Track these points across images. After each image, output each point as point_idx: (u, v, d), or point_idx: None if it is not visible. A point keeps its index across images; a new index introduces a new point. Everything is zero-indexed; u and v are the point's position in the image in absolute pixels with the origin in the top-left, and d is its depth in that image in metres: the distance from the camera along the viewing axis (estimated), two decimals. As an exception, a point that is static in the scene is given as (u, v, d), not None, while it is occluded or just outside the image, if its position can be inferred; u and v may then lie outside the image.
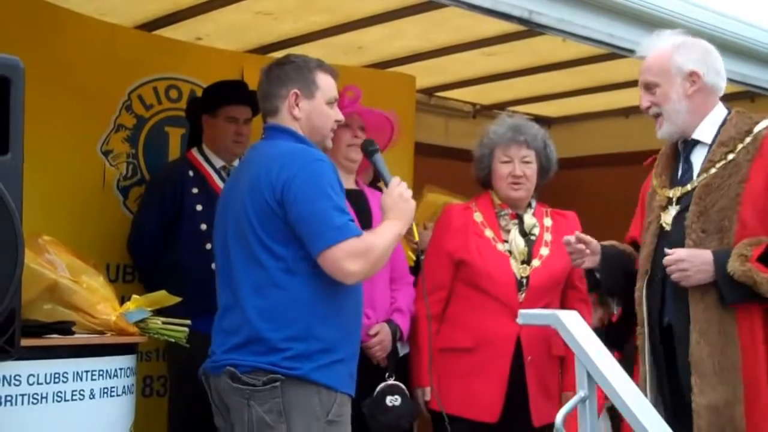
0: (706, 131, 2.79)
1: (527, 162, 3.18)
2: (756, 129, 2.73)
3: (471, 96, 5.53)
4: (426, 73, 4.79)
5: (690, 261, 2.63)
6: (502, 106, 5.62)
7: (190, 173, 3.62)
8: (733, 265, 2.59)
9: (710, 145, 2.77)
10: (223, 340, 2.56)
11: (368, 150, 2.86)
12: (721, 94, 2.85)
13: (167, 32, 3.99)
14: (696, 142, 2.81)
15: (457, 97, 5.56)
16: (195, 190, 3.59)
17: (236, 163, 3.71)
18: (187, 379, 3.48)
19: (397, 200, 2.62)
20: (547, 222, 3.26)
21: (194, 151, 3.71)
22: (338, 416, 2.50)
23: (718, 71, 2.82)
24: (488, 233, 3.18)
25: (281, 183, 2.47)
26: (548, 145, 3.24)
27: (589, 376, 2.22)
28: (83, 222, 3.63)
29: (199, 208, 3.56)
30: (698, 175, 2.75)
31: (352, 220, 2.50)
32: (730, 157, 2.70)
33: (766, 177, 2.65)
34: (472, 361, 3.09)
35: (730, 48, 3.77)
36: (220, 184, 3.64)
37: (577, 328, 2.28)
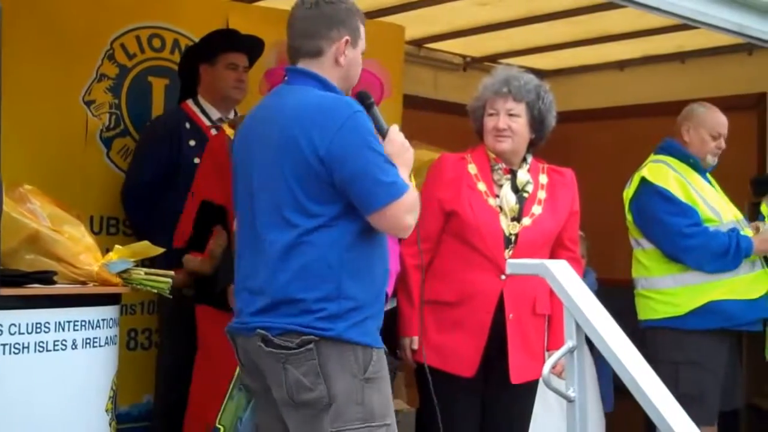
0: None
1: (513, 115, 3.10)
2: None
3: (461, 48, 5.46)
4: (416, 24, 4.71)
5: None
6: (493, 59, 5.56)
7: (187, 125, 3.58)
8: None
9: None
10: (249, 299, 2.44)
11: (365, 103, 2.66)
12: None
13: (151, -21, 3.92)
14: None
15: (447, 48, 5.49)
16: (192, 143, 3.55)
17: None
18: (176, 331, 3.51)
19: (399, 149, 2.51)
20: (543, 179, 3.19)
21: (190, 103, 3.65)
22: (375, 373, 2.42)
23: None
24: (481, 186, 3.13)
25: (327, 140, 2.33)
26: (543, 97, 3.13)
27: (577, 326, 2.18)
28: (65, 173, 3.59)
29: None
30: None
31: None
32: None
33: None
34: (454, 315, 3.07)
35: (727, -4, 3.71)
36: None
37: (566, 277, 2.24)
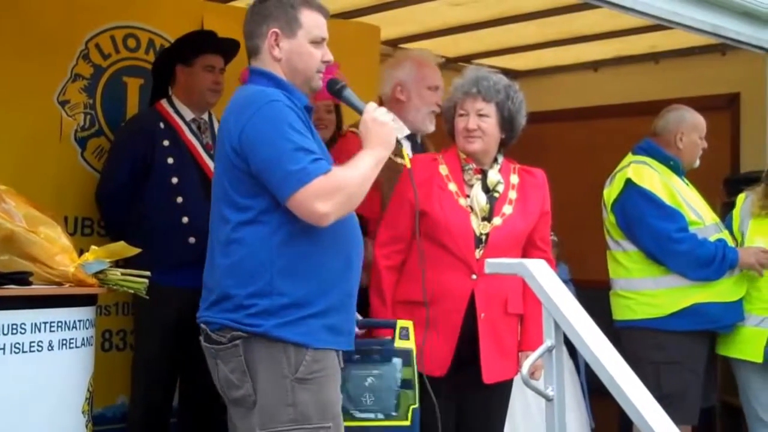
0: None
1: (482, 115, 3.11)
2: None
3: (436, 48, 5.42)
4: (391, 24, 4.72)
5: None
6: (467, 59, 5.58)
7: (161, 125, 3.56)
8: None
9: None
10: (205, 296, 2.49)
11: (335, 89, 2.68)
12: None
13: (126, -21, 3.89)
14: None
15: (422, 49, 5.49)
16: (166, 143, 3.53)
17: (205, 116, 3.67)
18: (151, 331, 3.49)
19: (370, 125, 2.47)
20: (514, 179, 3.20)
21: (164, 103, 3.63)
22: (310, 373, 2.38)
23: None
24: (452, 187, 3.14)
25: (238, 131, 2.36)
26: (513, 97, 3.14)
27: (556, 325, 2.20)
28: (40, 173, 3.55)
29: (170, 161, 3.51)
30: None
31: (319, 159, 2.35)
32: None
33: None
34: (425, 315, 3.06)
35: (700, -4, 3.75)
36: (190, 137, 3.59)
37: (544, 276, 2.25)
